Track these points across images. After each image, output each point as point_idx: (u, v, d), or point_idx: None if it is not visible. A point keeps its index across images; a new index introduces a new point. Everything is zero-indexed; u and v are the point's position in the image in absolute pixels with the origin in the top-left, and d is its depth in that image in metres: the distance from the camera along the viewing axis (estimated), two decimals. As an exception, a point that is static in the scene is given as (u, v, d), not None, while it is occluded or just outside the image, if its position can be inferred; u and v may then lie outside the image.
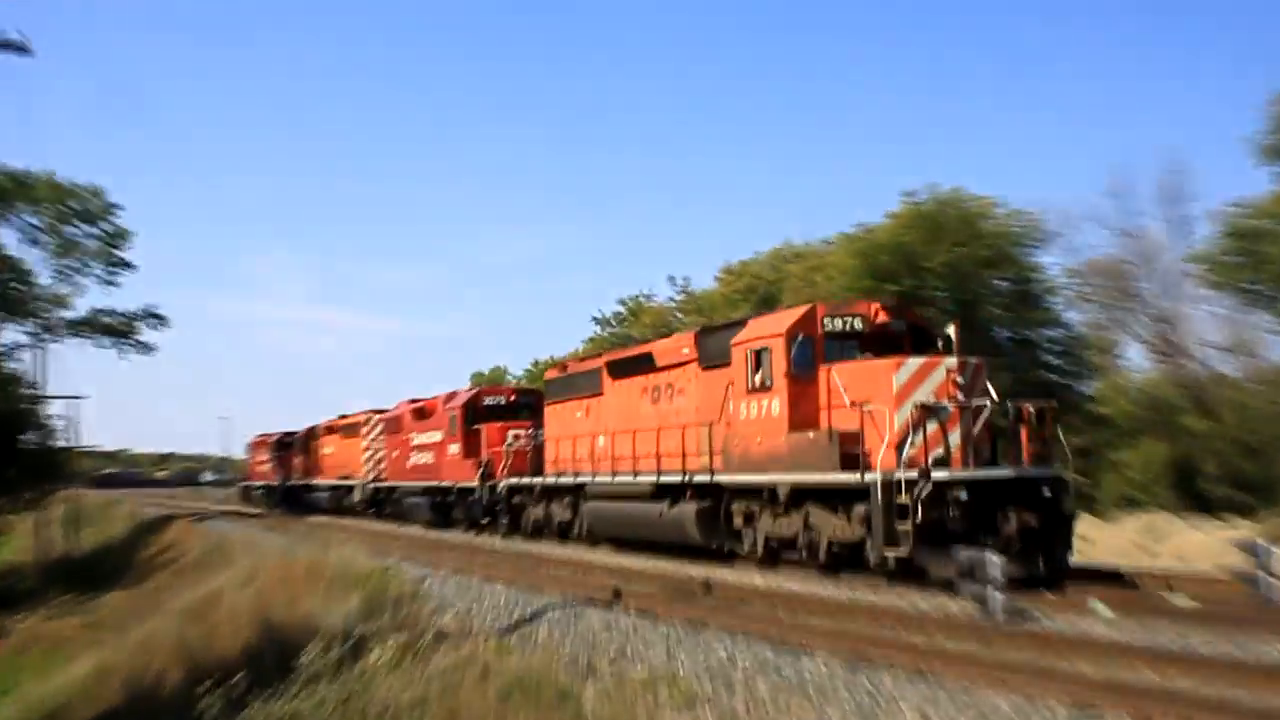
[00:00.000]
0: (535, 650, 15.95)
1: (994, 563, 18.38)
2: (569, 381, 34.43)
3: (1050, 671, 14.13)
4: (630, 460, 29.54)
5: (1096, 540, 29.71)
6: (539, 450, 36.31)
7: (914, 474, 20.40)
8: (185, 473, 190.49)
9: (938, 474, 20.39)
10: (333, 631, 15.81)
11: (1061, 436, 22.08)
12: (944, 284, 40.40)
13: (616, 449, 30.28)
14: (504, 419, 40.88)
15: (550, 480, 34.35)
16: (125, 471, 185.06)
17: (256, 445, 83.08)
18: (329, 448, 62.63)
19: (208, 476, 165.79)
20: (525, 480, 36.35)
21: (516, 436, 38.49)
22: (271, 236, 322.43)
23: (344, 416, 61.85)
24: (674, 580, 22.99)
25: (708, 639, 16.36)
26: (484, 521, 39.67)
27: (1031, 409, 21.86)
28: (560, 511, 34.08)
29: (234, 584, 20.84)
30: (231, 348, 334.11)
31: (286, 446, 72.93)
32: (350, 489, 56.87)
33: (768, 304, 48.10)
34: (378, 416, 54.29)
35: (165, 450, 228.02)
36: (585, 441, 32.37)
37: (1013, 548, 20.45)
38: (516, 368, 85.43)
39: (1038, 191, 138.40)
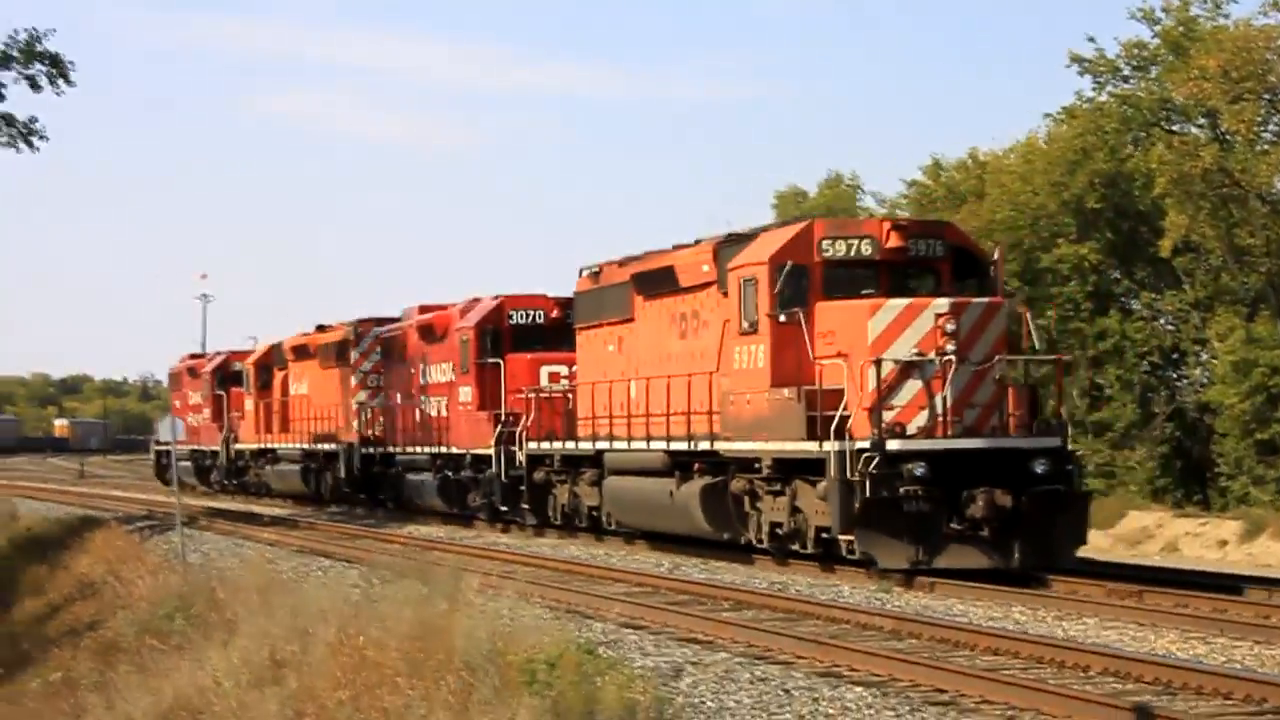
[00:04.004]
0: None
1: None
2: (600, 298, 25.85)
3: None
4: (646, 420, 23.42)
5: None
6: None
7: (864, 444, 18.07)
8: (115, 423, 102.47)
9: (891, 444, 17.99)
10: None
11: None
12: None
13: (641, 402, 23.71)
14: (541, 346, 28.96)
15: (571, 446, 26.53)
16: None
17: (182, 376, 53.67)
18: (300, 384, 40.97)
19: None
20: (545, 446, 27.29)
21: (554, 376, 27.88)
22: None
23: (321, 330, 40.19)
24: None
25: None
26: (503, 510, 28.88)
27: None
28: (586, 492, 26.22)
29: (242, 679, 11.67)
30: (216, 141, 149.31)
31: (233, 379, 47.33)
32: (331, 458, 37.47)
33: None
34: (377, 330, 36.46)
35: (73, 371, 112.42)
36: (609, 389, 24.99)
37: (981, 534, 17.98)
38: (892, 179, 54.13)
39: None
